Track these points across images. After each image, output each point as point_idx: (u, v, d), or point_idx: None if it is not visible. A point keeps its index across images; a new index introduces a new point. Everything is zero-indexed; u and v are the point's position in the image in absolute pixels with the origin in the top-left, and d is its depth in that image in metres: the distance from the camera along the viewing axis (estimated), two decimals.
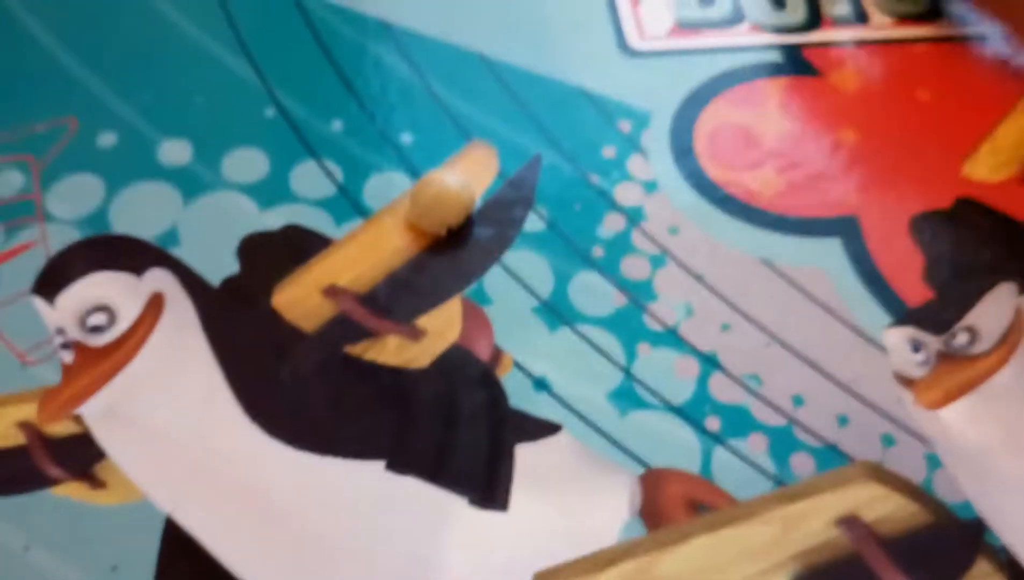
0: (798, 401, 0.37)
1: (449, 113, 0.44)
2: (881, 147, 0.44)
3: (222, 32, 0.45)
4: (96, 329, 0.36)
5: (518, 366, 0.37)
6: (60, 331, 0.36)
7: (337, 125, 0.43)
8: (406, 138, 0.43)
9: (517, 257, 0.40)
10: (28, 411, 0.35)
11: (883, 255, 0.41)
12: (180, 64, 0.44)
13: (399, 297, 0.38)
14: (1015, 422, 0.35)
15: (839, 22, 0.50)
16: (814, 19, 0.50)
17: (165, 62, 0.44)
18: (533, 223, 0.41)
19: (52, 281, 0.37)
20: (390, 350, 0.37)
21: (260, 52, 0.44)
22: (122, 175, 0.40)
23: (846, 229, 0.42)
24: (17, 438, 0.34)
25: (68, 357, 0.35)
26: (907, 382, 0.37)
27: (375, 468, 0.34)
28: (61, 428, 0.34)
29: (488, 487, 0.34)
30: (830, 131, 0.45)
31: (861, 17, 0.50)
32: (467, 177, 0.40)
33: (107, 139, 0.41)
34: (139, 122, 0.42)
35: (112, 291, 0.37)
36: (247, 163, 0.41)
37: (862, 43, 0.49)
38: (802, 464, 0.35)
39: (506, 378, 0.36)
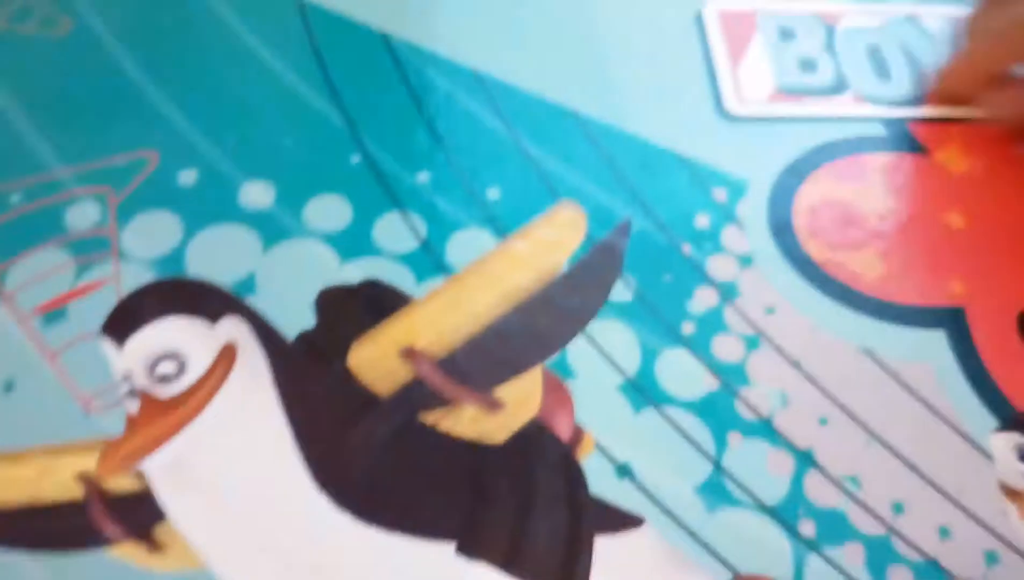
0: (898, 508, 0.34)
1: (538, 170, 0.42)
2: (990, 234, 0.42)
3: (312, 75, 0.43)
4: (165, 378, 0.34)
5: (600, 448, 0.35)
6: (127, 377, 0.35)
7: (424, 177, 0.41)
8: (493, 194, 0.41)
9: (603, 328, 0.38)
10: (88, 462, 0.33)
11: (991, 352, 0.38)
12: (267, 105, 0.43)
13: (478, 364, 0.36)
14: None
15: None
16: (919, 92, 0.47)
17: (252, 102, 0.43)
18: (620, 292, 0.39)
19: (122, 323, 0.36)
20: (466, 421, 0.35)
21: (349, 97, 0.43)
22: (201, 215, 0.39)
23: (952, 321, 0.39)
24: (75, 491, 0.33)
25: (133, 406, 0.34)
26: (1013, 494, 0.35)
27: (445, 551, 0.32)
28: (121, 483, 0.33)
29: None
30: (936, 213, 0.43)
31: None
32: None
33: (188, 176, 0.40)
34: (222, 161, 0.41)
35: (184, 338, 0.35)
36: (330, 211, 0.40)
37: (970, 121, 0.47)
38: (900, 578, 0.33)
39: (587, 461, 0.34)
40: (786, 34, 0.49)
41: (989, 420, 0.37)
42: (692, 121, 0.45)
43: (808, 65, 0.48)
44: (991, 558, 0.33)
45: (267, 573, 0.31)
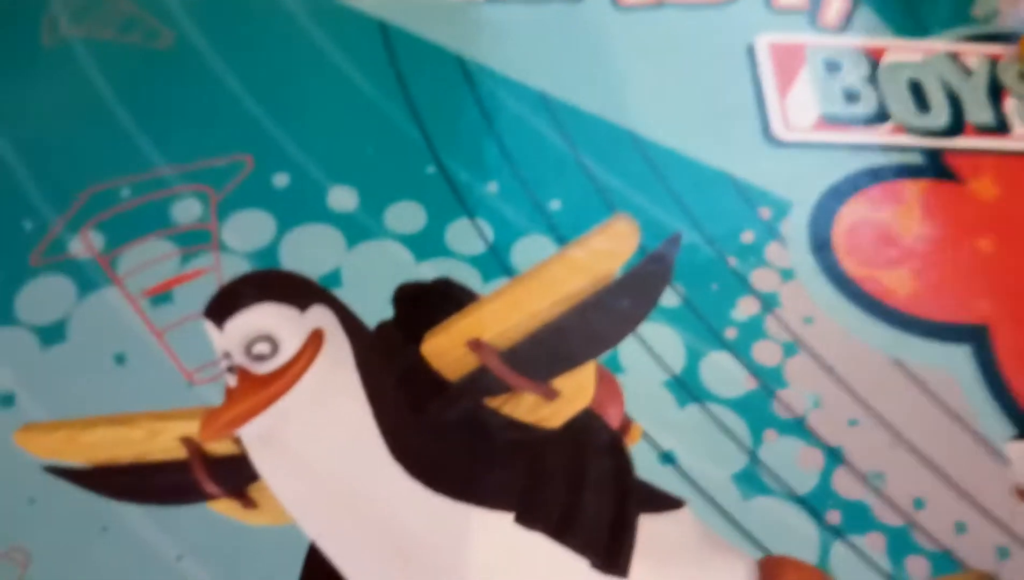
0: (918, 504, 0.37)
1: (597, 185, 0.46)
2: (1017, 258, 0.45)
3: (393, 92, 0.48)
4: (260, 357, 0.38)
5: (646, 437, 0.38)
6: (226, 355, 0.39)
7: (492, 187, 0.45)
8: (555, 205, 0.45)
9: (652, 330, 0.41)
10: (191, 428, 0.37)
11: (1012, 367, 0.41)
12: (353, 118, 0.47)
13: (538, 357, 0.39)
14: None
15: (981, 130, 0.51)
16: (957, 125, 0.50)
17: (339, 115, 0.47)
18: (669, 298, 0.42)
19: (223, 307, 0.40)
20: (525, 407, 0.39)
21: (427, 114, 0.47)
22: (293, 215, 0.43)
23: (977, 337, 0.42)
24: (179, 452, 0.37)
25: (232, 380, 0.38)
26: None
27: (504, 519, 0.36)
28: (220, 447, 0.37)
29: (611, 552, 0.35)
30: (967, 238, 0.46)
31: (1003, 127, 0.51)
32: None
33: (281, 179, 0.45)
34: (311, 167, 0.45)
35: (277, 322, 0.39)
36: (407, 215, 0.44)
37: (1003, 153, 0.50)
38: (917, 566, 0.36)
39: (634, 448, 0.38)
40: (832, 67, 0.52)
41: (1007, 429, 0.39)
42: (741, 145, 0.48)
43: (852, 96, 0.51)
44: (1003, 553, 0.36)
45: (345, 529, 0.35)
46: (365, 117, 0.47)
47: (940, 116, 0.51)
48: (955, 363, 0.41)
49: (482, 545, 0.35)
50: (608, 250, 0.43)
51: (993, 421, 0.40)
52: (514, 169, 0.46)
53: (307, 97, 0.48)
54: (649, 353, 0.40)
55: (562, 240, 0.43)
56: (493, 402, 0.39)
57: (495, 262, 0.43)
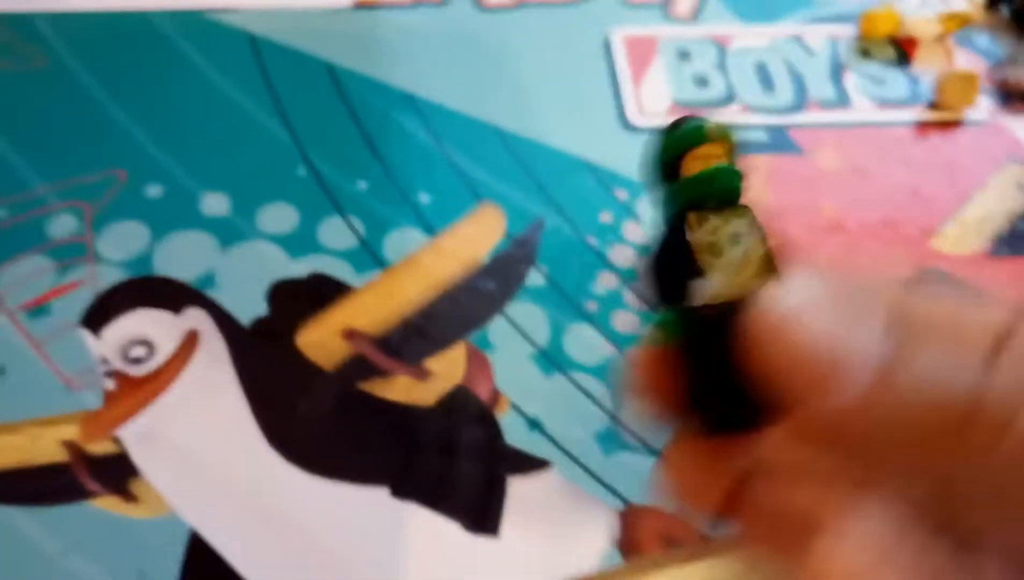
0: None
1: (463, 178, 0.48)
2: (857, 221, 0.49)
3: (262, 99, 0.49)
4: (136, 360, 0.40)
5: (514, 407, 0.41)
6: (103, 361, 0.40)
7: (362, 185, 0.47)
8: (423, 198, 0.47)
9: (518, 309, 0.44)
10: (71, 431, 0.39)
11: None
12: (223, 125, 0.48)
13: (410, 341, 0.42)
14: None
15: (823, 105, 0.54)
16: (800, 102, 0.54)
17: (210, 123, 0.48)
18: (534, 278, 0.45)
19: (98, 315, 0.42)
20: (400, 388, 0.41)
21: (295, 117, 0.49)
22: (166, 223, 0.45)
23: None
24: (60, 455, 0.38)
25: (110, 384, 0.40)
26: None
27: (381, 493, 0.38)
28: (100, 447, 0.38)
29: (481, 515, 0.37)
30: (810, 204, 0.49)
31: (844, 101, 0.55)
32: None
33: (154, 190, 0.46)
34: (184, 176, 0.46)
35: (152, 326, 0.41)
36: (279, 216, 0.45)
37: (843, 126, 0.53)
38: None
39: (503, 418, 0.40)
40: (683, 55, 0.56)
41: None
42: (598, 132, 0.51)
43: (702, 81, 0.54)
44: None
45: (226, 518, 0.37)
46: (236, 125, 0.49)
47: (784, 94, 0.54)
48: None
49: (360, 521, 0.37)
50: (475, 237, 0.46)
51: None
52: (383, 167, 0.48)
53: (179, 110, 0.49)
54: (516, 330, 0.43)
55: (431, 231, 0.46)
56: (368, 386, 0.41)
57: (367, 255, 0.45)
